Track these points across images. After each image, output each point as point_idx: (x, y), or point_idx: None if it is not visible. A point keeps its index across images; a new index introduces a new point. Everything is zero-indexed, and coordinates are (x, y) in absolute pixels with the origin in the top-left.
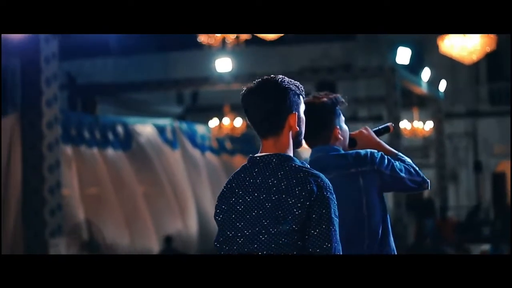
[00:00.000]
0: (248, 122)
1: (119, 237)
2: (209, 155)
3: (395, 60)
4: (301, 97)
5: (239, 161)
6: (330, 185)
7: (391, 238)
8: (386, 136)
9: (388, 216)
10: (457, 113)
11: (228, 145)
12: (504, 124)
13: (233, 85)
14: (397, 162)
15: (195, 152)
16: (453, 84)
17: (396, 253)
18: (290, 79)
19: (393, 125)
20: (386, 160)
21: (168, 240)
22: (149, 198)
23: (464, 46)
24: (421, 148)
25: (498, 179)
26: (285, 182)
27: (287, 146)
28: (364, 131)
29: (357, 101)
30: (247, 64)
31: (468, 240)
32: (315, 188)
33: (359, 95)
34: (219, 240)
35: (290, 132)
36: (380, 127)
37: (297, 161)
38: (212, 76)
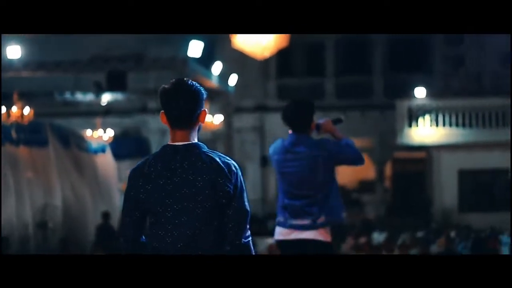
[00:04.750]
0: (166, 114)
1: None
2: None
3: (187, 52)
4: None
5: (24, 152)
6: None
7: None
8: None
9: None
10: (246, 108)
11: (13, 134)
12: None
13: (22, 73)
14: (345, 146)
15: None
16: (242, 79)
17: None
18: (197, 83)
19: (343, 118)
20: (338, 146)
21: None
22: None
23: (258, 42)
24: (209, 141)
25: None
26: (214, 165)
27: (196, 136)
28: (327, 121)
29: (146, 93)
30: (37, 52)
31: (253, 233)
32: (236, 171)
33: (149, 86)
34: (133, 214)
35: (199, 125)
36: (334, 119)
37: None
38: (1, 62)
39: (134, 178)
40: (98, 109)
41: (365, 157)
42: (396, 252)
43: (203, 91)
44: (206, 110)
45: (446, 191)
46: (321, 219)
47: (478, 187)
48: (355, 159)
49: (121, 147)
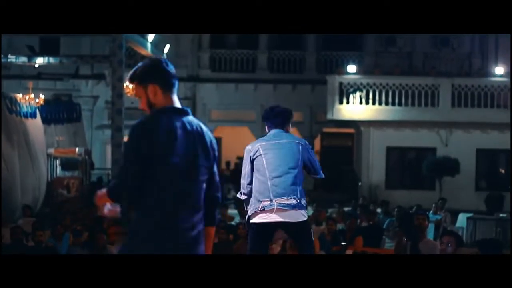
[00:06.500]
0: (167, 81)
1: None
2: None
3: None
4: None
5: None
6: None
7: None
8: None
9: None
10: (178, 77)
11: None
12: (222, 90)
13: None
14: (315, 156)
15: None
16: (176, 49)
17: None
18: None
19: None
20: (311, 151)
21: None
22: None
23: None
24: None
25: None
26: (209, 132)
27: None
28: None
29: (80, 58)
30: None
31: None
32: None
33: (82, 51)
34: (134, 164)
35: None
36: None
37: None
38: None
39: (138, 131)
40: (30, 73)
41: (294, 131)
42: (324, 225)
43: None
44: None
45: (373, 167)
46: (304, 201)
47: (405, 165)
48: (316, 170)
49: (52, 111)
